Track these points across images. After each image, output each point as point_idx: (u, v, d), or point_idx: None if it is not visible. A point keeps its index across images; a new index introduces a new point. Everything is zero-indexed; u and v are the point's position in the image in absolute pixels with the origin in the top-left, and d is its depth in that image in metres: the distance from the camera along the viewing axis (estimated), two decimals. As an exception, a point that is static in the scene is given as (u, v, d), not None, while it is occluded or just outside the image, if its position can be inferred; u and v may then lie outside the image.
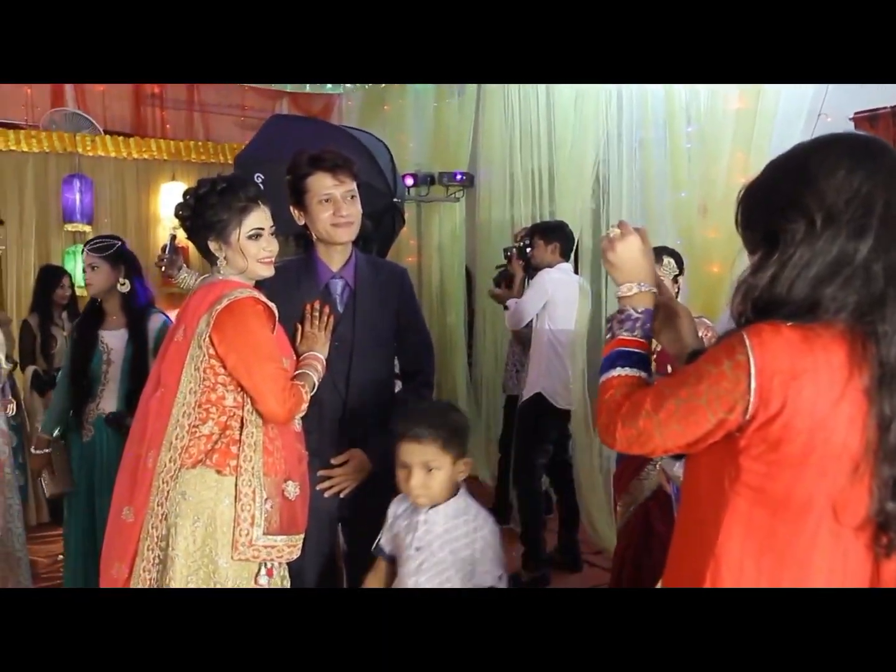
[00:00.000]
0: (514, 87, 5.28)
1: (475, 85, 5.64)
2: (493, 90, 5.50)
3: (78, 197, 5.46)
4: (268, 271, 2.02)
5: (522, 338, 4.51)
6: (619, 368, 1.26)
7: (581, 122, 4.65)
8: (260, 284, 2.11)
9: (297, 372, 2.03)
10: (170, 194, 5.95)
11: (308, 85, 5.54)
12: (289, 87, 5.60)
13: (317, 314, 2.16)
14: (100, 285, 2.98)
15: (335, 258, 2.22)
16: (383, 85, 6.23)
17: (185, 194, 2.01)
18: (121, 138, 5.96)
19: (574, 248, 4.33)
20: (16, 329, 4.50)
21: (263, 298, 1.94)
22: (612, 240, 1.34)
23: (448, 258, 6.01)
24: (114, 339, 2.98)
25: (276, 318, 1.97)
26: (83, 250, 3.06)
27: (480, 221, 5.74)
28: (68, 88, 6.14)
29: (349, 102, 6.97)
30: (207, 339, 1.87)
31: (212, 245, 1.97)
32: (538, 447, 3.98)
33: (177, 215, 2.01)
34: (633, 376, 1.25)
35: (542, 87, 5.04)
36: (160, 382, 1.92)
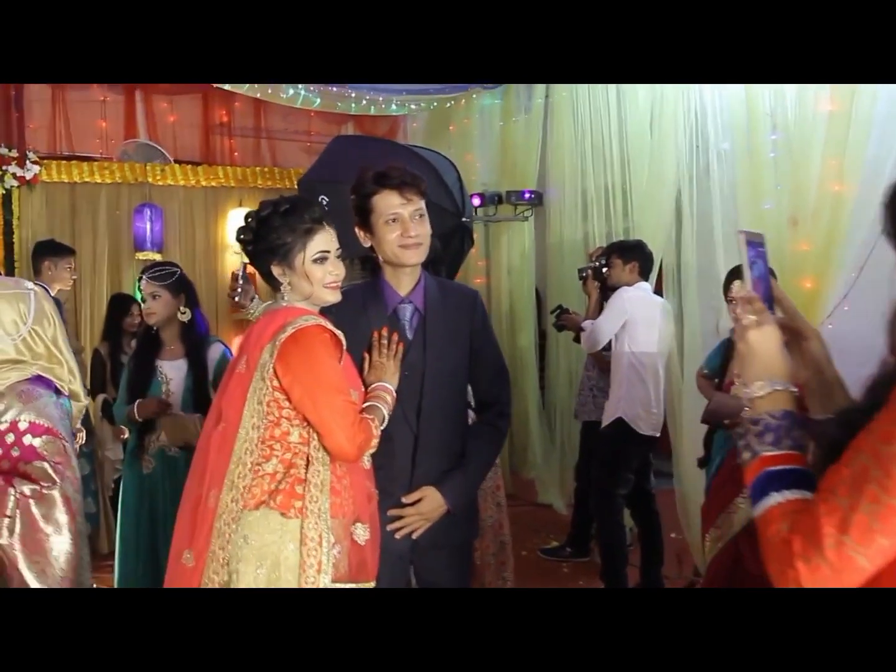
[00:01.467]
0: (583, 100, 5.14)
1: (542, 100, 5.53)
2: (562, 105, 5.37)
3: (148, 226, 5.52)
4: (334, 297, 1.89)
5: (601, 361, 4.31)
6: (774, 495, 1.00)
7: (658, 135, 4.47)
8: (325, 311, 2.00)
9: (365, 404, 1.89)
10: (237, 220, 5.88)
11: (373, 107, 5.48)
12: (353, 110, 5.55)
13: (385, 342, 2.02)
14: (161, 314, 2.91)
15: (403, 281, 2.09)
16: (448, 104, 6.16)
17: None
18: (189, 166, 6.03)
19: (653, 267, 4.12)
20: (88, 357, 4.52)
21: (330, 326, 1.82)
22: (746, 327, 1.12)
23: (517, 279, 5.85)
24: (173, 370, 2.91)
25: (344, 347, 1.84)
26: (142, 278, 2.98)
27: (551, 240, 5.57)
28: (140, 120, 6.26)
29: (414, 125, 6.92)
30: (271, 370, 1.75)
31: (275, 270, 1.86)
32: (619, 477, 3.75)
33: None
34: (796, 500, 0.98)
35: (613, 99, 4.88)
36: (221, 416, 1.80)
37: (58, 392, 1.95)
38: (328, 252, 1.87)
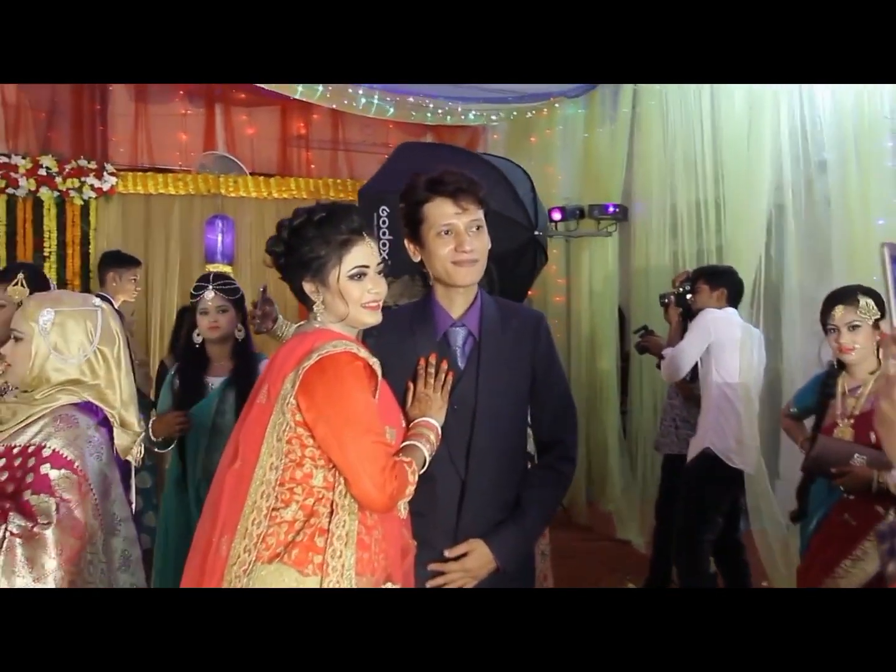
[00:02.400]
0: (674, 109, 4.81)
1: (629, 110, 5.22)
2: (650, 114, 5.04)
3: (220, 238, 5.48)
4: (374, 318, 1.66)
5: (685, 389, 3.95)
6: None
7: (755, 144, 4.09)
8: (367, 335, 1.76)
9: (404, 443, 1.64)
10: (310, 233, 5.86)
11: (449, 116, 5.27)
12: (431, 121, 5.36)
13: (432, 370, 1.77)
14: (226, 329, 2.77)
15: (456, 302, 1.83)
16: (529, 114, 5.91)
17: (278, 226, 1.69)
18: (262, 178, 5.96)
19: (742, 294, 3.75)
20: (154, 370, 4.46)
21: (363, 353, 1.58)
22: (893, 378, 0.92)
23: (599, 298, 5.52)
24: (221, 387, 2.74)
25: (379, 378, 1.59)
26: (204, 289, 2.82)
27: (636, 258, 5.23)
28: (219, 132, 6.27)
29: (495, 136, 6.70)
30: (293, 403, 1.53)
31: (307, 286, 1.64)
32: (706, 519, 3.38)
33: (268, 251, 1.69)
34: None
35: (707, 106, 4.52)
36: (237, 453, 1.58)
37: (105, 422, 1.81)
38: (366, 267, 1.63)
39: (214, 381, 2.79)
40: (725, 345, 3.47)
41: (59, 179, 5.33)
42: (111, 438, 1.83)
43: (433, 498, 1.72)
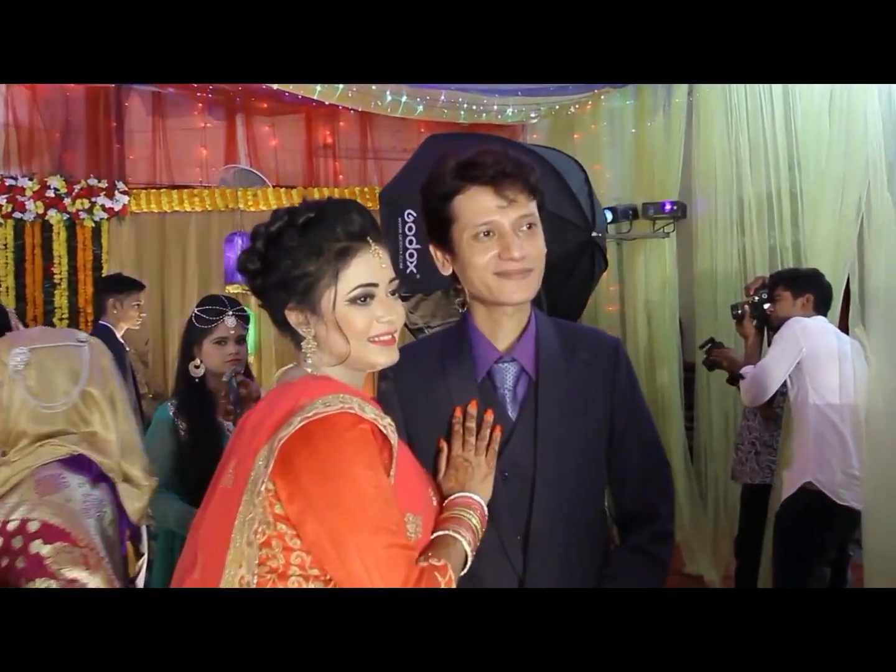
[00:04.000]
0: (738, 96, 4.32)
1: (684, 99, 4.73)
2: (710, 101, 4.55)
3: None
4: (386, 356, 1.21)
5: (765, 409, 3.43)
6: None
7: (838, 126, 3.56)
8: (381, 377, 1.30)
9: (435, 535, 1.17)
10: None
11: (484, 114, 4.82)
12: (464, 119, 4.91)
13: (472, 425, 1.30)
14: (244, 361, 2.48)
15: (503, 328, 1.37)
16: (571, 109, 5.44)
17: (252, 235, 1.23)
18: (283, 190, 5.57)
19: (832, 301, 3.22)
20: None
21: (371, 412, 1.11)
22: None
23: (657, 305, 5.01)
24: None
25: (395, 446, 1.12)
26: (222, 316, 2.47)
27: (698, 259, 4.71)
28: (241, 146, 5.95)
29: (535, 136, 6.24)
30: (269, 488, 1.07)
31: (292, 316, 1.19)
32: (809, 569, 2.82)
33: (240, 269, 1.24)
34: None
35: (777, 92, 4.03)
36: (196, 560, 1.12)
37: (102, 477, 1.48)
38: (374, 286, 1.18)
39: (227, 422, 2.41)
40: (821, 357, 2.95)
41: (67, 201, 5.00)
42: (114, 494, 1.50)
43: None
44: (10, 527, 1.33)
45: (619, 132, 5.33)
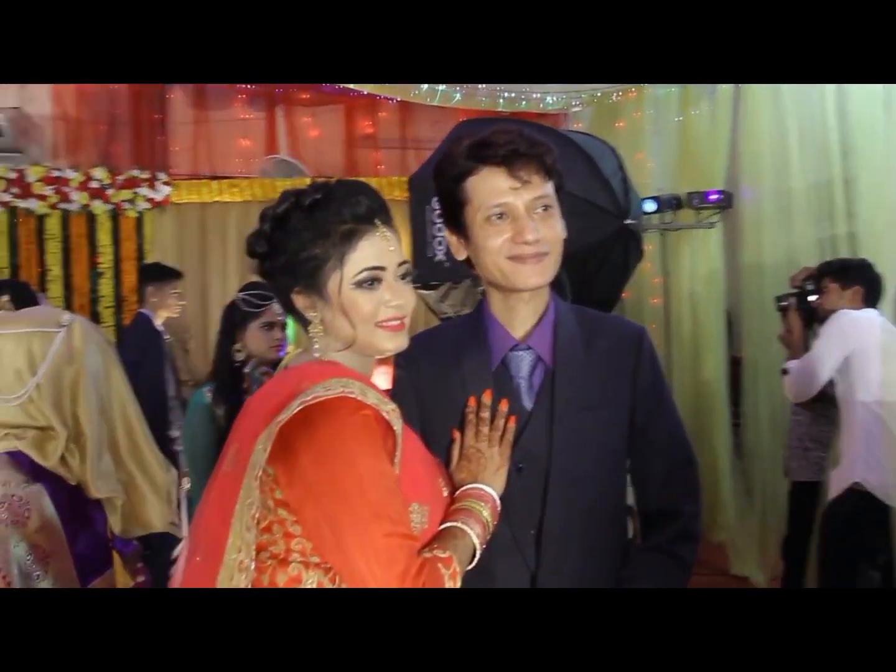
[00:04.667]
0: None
1: (730, 86, 4.59)
2: (757, 87, 4.40)
3: (279, 246, 5.12)
4: (394, 342, 1.17)
5: (813, 407, 3.31)
6: None
7: (894, 111, 3.41)
8: (400, 363, 1.26)
9: (443, 526, 1.13)
10: (376, 238, 5.46)
11: (524, 102, 4.75)
12: (503, 107, 4.86)
13: (486, 415, 1.25)
14: (284, 347, 2.51)
15: (519, 314, 1.32)
16: (615, 97, 5.33)
17: (261, 217, 1.21)
18: (322, 180, 5.58)
19: (882, 293, 3.08)
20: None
21: (373, 397, 1.08)
22: None
23: (703, 298, 4.89)
24: None
25: (398, 433, 1.09)
26: (268, 300, 2.50)
27: (745, 250, 4.58)
28: (282, 136, 5.97)
29: (577, 124, 6.13)
30: (268, 473, 1.05)
31: (298, 300, 1.17)
32: (857, 572, 2.71)
33: (249, 252, 1.21)
34: None
35: (830, 74, 3.86)
36: (199, 543, 1.10)
37: (41, 476, 1.37)
38: (382, 269, 1.15)
39: None
40: (871, 353, 2.82)
41: (111, 191, 5.07)
42: (66, 496, 1.39)
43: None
44: None
45: (663, 120, 5.21)
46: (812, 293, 3.29)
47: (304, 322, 1.18)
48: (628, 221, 2.54)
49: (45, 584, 1.32)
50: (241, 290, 2.62)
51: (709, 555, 4.71)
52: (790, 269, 4.21)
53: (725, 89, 4.64)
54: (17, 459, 1.37)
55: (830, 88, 3.87)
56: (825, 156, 3.93)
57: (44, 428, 1.41)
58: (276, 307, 2.49)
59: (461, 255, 1.33)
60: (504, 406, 1.27)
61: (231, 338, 2.54)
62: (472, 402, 1.27)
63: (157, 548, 1.67)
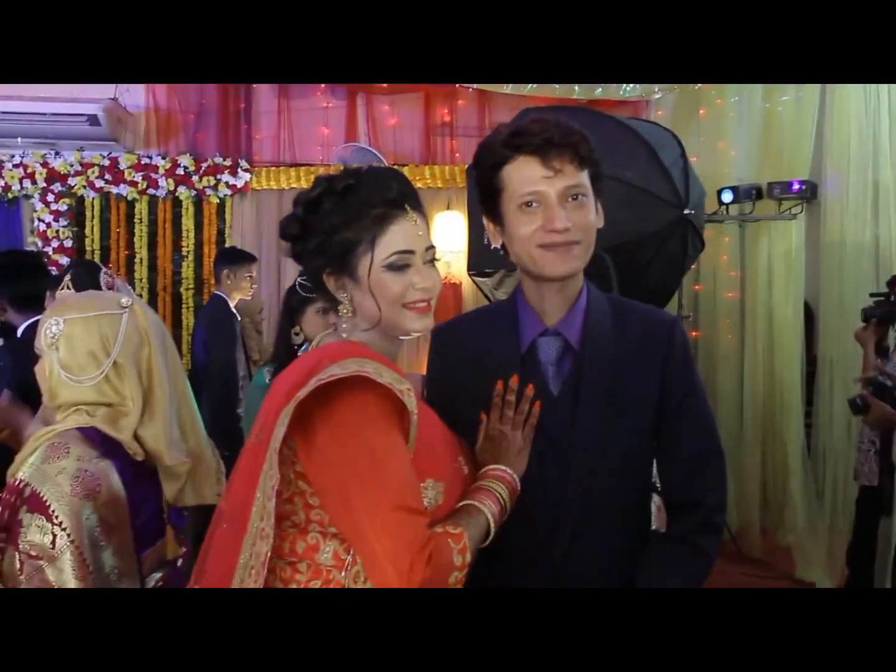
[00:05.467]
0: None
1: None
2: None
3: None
4: (421, 323, 1.22)
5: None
6: None
7: None
8: (434, 346, 1.32)
9: (459, 504, 1.17)
10: (446, 226, 5.46)
11: (600, 89, 4.67)
12: (579, 95, 4.78)
13: (512, 399, 1.29)
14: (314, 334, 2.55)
15: (550, 301, 1.34)
16: (698, 86, 5.17)
17: (295, 202, 1.26)
18: (397, 167, 5.64)
19: None
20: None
21: (388, 376, 1.12)
22: None
23: (780, 292, 4.69)
24: None
25: (413, 412, 1.13)
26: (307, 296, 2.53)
27: (827, 243, 4.40)
28: (361, 125, 6.05)
29: (658, 112, 5.99)
30: (290, 446, 1.11)
31: (329, 281, 1.22)
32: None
33: (282, 235, 1.27)
34: None
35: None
36: (225, 512, 1.17)
37: (112, 453, 1.44)
38: (411, 253, 1.19)
39: None
40: None
41: (195, 178, 5.28)
42: (131, 471, 1.47)
43: (509, 585, 1.23)
44: (15, 484, 1.37)
45: (746, 108, 5.02)
46: None
47: (333, 303, 1.23)
48: (687, 211, 2.48)
49: (107, 553, 1.40)
50: (300, 275, 2.67)
51: (775, 557, 4.57)
52: (875, 266, 4.04)
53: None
54: (89, 435, 1.44)
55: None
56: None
57: (114, 404, 1.48)
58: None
59: (497, 242, 1.36)
60: (530, 391, 1.29)
61: (290, 321, 2.59)
62: (499, 385, 1.30)
63: (200, 521, 1.74)
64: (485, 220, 1.37)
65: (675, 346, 1.33)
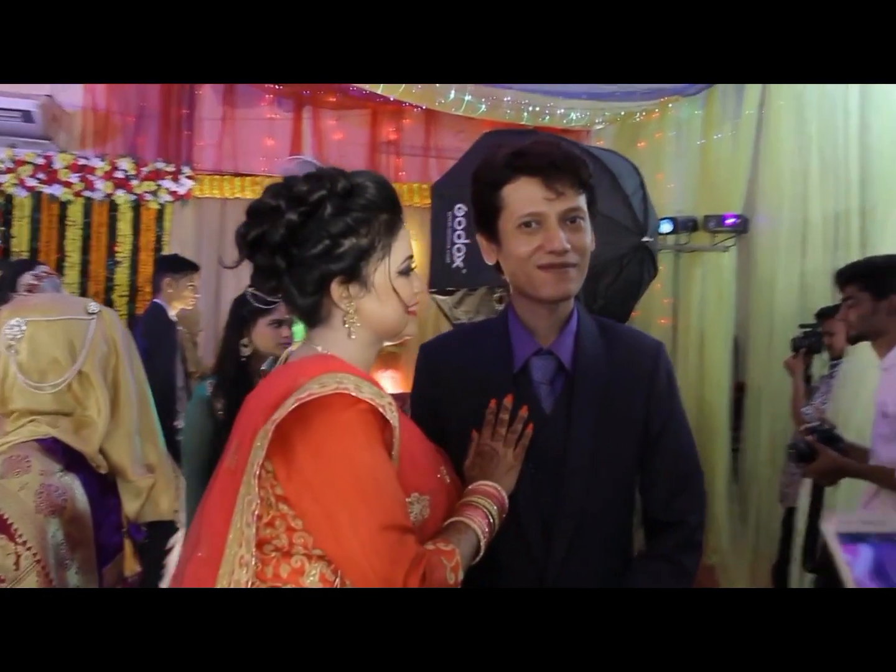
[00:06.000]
0: (810, 108, 4.20)
1: (754, 111, 4.61)
2: (781, 115, 4.43)
3: (295, 245, 5.15)
4: (413, 327, 1.23)
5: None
6: None
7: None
8: (420, 365, 1.31)
9: (448, 521, 1.16)
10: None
11: (548, 117, 4.78)
12: (527, 121, 4.89)
13: (505, 417, 1.30)
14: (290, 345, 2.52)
15: (544, 322, 1.36)
16: (638, 117, 5.35)
17: (276, 200, 1.18)
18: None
19: None
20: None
21: (367, 391, 1.10)
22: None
23: (711, 321, 4.88)
24: None
25: (395, 426, 1.12)
26: (273, 304, 2.51)
27: (757, 276, 4.59)
28: (307, 138, 6.01)
29: (599, 142, 6.16)
30: (267, 469, 1.08)
31: (337, 292, 1.17)
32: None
33: (259, 241, 1.19)
34: None
35: (853, 105, 3.89)
36: (200, 538, 1.13)
37: (76, 466, 1.36)
38: (412, 258, 1.21)
39: None
40: None
41: (135, 182, 5.13)
42: (93, 485, 1.40)
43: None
44: None
45: (685, 142, 5.22)
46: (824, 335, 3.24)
47: (312, 317, 1.20)
48: (646, 239, 2.57)
49: (71, 571, 1.32)
50: (251, 286, 2.61)
51: (700, 576, 4.69)
52: (802, 297, 4.23)
53: (749, 115, 4.64)
54: (49, 447, 1.36)
55: (854, 120, 3.89)
56: (844, 186, 3.95)
57: (74, 414, 1.40)
58: (283, 305, 2.49)
59: (491, 260, 1.37)
60: (524, 412, 1.30)
61: (238, 332, 2.51)
62: (492, 403, 1.31)
63: (155, 536, 1.69)
64: (479, 238, 1.38)
65: (660, 369, 1.37)
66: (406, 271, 1.18)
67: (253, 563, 1.06)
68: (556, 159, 1.28)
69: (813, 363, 3.73)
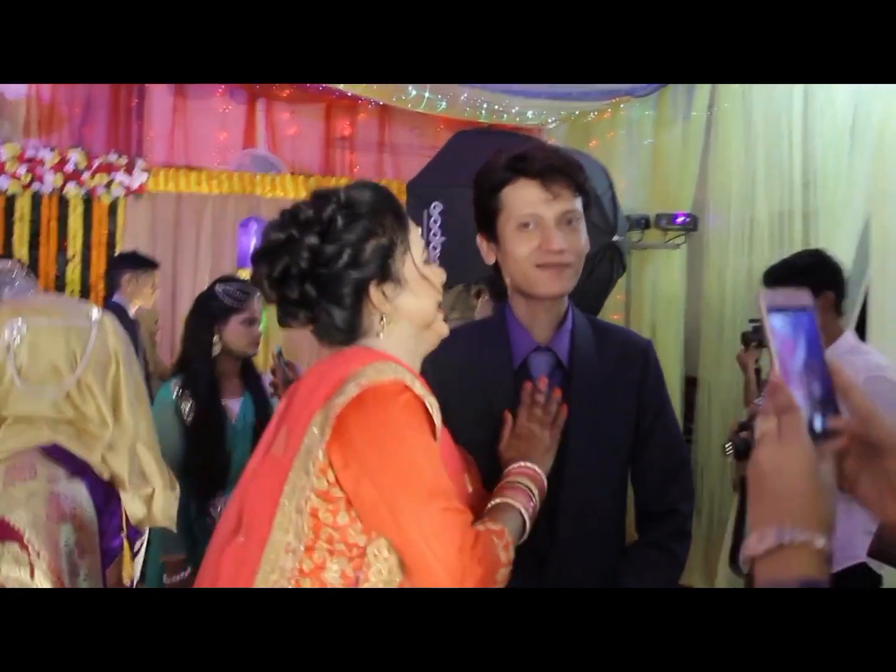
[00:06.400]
0: (757, 111, 4.35)
1: (703, 112, 4.76)
2: (729, 117, 4.58)
3: (253, 241, 5.10)
4: (446, 326, 1.27)
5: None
6: None
7: (860, 147, 3.60)
8: (431, 359, 1.35)
9: (493, 502, 1.21)
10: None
11: (505, 115, 4.84)
12: (484, 119, 4.95)
13: (541, 399, 1.35)
14: (259, 343, 2.51)
15: (540, 320, 1.42)
16: (591, 116, 5.46)
17: (272, 246, 1.17)
18: (301, 177, 5.59)
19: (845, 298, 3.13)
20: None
21: (419, 388, 1.14)
22: (761, 436, 0.73)
23: (663, 316, 5.03)
24: (237, 410, 2.41)
25: (438, 424, 1.16)
26: (248, 296, 2.50)
27: (707, 273, 4.74)
28: (260, 131, 5.94)
29: (552, 140, 6.25)
30: (322, 456, 1.09)
31: (375, 295, 1.18)
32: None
33: (288, 273, 1.17)
34: None
35: (797, 107, 4.05)
36: (240, 524, 1.15)
37: (82, 473, 1.33)
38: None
39: (231, 404, 2.42)
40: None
41: (86, 175, 5.00)
42: (98, 492, 1.38)
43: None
44: None
45: (636, 141, 5.34)
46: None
47: (352, 332, 1.18)
48: (616, 238, 2.65)
49: (80, 578, 1.30)
50: (219, 283, 2.56)
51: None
52: (750, 293, 4.39)
53: (698, 116, 4.79)
54: (54, 454, 1.33)
55: (798, 123, 4.05)
56: (788, 188, 4.11)
57: (74, 421, 1.36)
58: (257, 304, 2.48)
59: (491, 260, 1.43)
60: (557, 393, 1.35)
61: (208, 330, 2.46)
62: (528, 387, 1.35)
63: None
64: (479, 239, 1.44)
65: (650, 366, 1.45)
66: (428, 260, 1.23)
67: (301, 549, 1.07)
68: (555, 163, 1.34)
69: (762, 357, 3.89)
